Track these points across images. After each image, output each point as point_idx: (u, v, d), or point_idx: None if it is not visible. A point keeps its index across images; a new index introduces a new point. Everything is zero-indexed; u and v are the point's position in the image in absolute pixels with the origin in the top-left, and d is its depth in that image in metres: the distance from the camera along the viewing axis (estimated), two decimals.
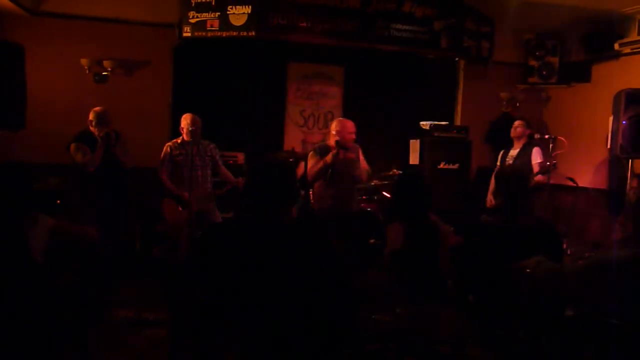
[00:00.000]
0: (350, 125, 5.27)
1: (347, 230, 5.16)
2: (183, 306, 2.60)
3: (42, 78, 6.10)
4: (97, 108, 5.24)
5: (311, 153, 5.40)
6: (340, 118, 5.55)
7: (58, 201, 5.49)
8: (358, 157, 5.40)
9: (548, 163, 5.89)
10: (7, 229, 2.77)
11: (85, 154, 5.10)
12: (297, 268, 2.27)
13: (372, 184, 6.53)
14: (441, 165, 6.81)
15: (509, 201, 3.39)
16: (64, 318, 2.95)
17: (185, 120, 5.35)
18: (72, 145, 5.15)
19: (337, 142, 5.13)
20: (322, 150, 5.28)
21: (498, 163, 6.40)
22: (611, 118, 5.95)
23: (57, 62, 6.39)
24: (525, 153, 6.15)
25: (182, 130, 5.37)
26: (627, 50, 6.61)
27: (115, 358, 3.94)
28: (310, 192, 5.93)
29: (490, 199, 6.16)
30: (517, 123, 6.32)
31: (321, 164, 5.17)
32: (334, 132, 5.25)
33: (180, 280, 2.98)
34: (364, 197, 6.40)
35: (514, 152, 6.26)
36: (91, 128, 5.18)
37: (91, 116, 5.19)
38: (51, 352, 2.67)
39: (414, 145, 7.06)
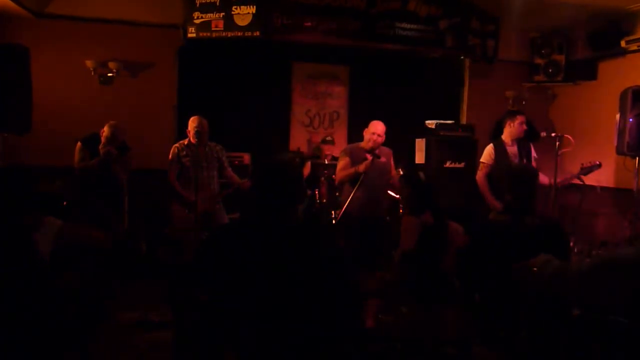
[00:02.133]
0: (373, 125, 5.34)
1: (375, 232, 5.23)
2: (187, 308, 2.60)
3: (48, 80, 6.12)
4: (113, 122, 5.29)
5: (341, 154, 5.48)
6: (373, 121, 5.51)
7: (64, 203, 5.50)
8: (389, 162, 5.46)
9: (594, 163, 5.75)
10: (12, 231, 2.77)
11: (83, 159, 5.19)
12: (302, 269, 2.26)
13: None
14: (447, 164, 6.78)
15: (520, 201, 3.37)
16: (67, 319, 2.95)
17: (193, 123, 5.36)
18: (78, 145, 5.29)
19: (369, 150, 5.23)
20: (353, 151, 5.37)
21: (492, 161, 5.86)
22: (618, 116, 5.92)
23: (62, 64, 6.41)
24: (525, 150, 5.91)
25: (189, 133, 5.37)
26: (633, 47, 6.57)
27: (119, 359, 3.95)
28: (316, 192, 5.94)
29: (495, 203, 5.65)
30: (524, 119, 5.92)
31: (352, 170, 5.21)
32: (367, 134, 5.35)
33: (184, 281, 2.98)
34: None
35: (512, 149, 5.88)
36: (102, 138, 5.22)
37: (105, 128, 5.24)
38: (54, 353, 2.68)
39: (420, 144, 7.04)
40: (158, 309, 4.70)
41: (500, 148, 5.88)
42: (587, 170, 5.72)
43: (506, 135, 5.92)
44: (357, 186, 5.14)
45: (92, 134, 5.29)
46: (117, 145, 5.22)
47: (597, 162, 5.70)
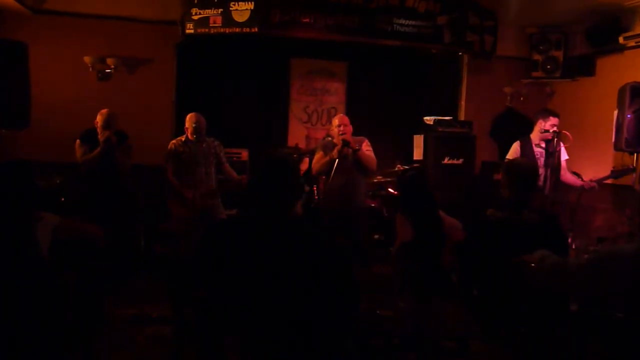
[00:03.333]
0: (338, 118, 5.42)
1: (352, 225, 5.22)
2: (187, 304, 2.60)
3: (46, 76, 6.09)
4: (104, 110, 5.27)
5: (316, 149, 5.58)
6: (339, 114, 5.73)
7: (62, 199, 5.51)
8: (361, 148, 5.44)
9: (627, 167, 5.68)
10: (12, 227, 2.77)
11: (84, 153, 5.18)
12: (301, 264, 2.26)
13: (376, 180, 6.52)
14: (445, 161, 6.78)
15: (519, 196, 3.37)
16: (68, 314, 2.96)
17: (190, 120, 5.36)
18: (77, 142, 5.29)
19: (343, 139, 5.21)
20: (327, 147, 5.41)
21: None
22: (616, 112, 5.92)
23: (60, 60, 6.39)
24: (553, 150, 5.60)
25: (187, 130, 5.38)
26: (631, 43, 6.56)
27: (119, 355, 3.95)
28: (315, 188, 5.95)
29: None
30: (557, 121, 5.66)
31: (327, 158, 5.27)
32: (336, 129, 5.38)
33: (184, 278, 2.99)
34: (369, 192, 6.38)
35: (538, 149, 5.73)
36: (97, 129, 5.22)
37: (98, 117, 5.24)
38: (55, 349, 2.68)
39: (418, 140, 7.04)
40: (156, 304, 4.71)
41: (527, 146, 5.73)
42: (620, 173, 5.68)
43: (535, 134, 5.75)
44: (332, 175, 5.19)
45: (88, 129, 5.29)
46: (113, 132, 5.22)
47: (632, 166, 5.66)
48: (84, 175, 5.24)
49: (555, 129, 5.60)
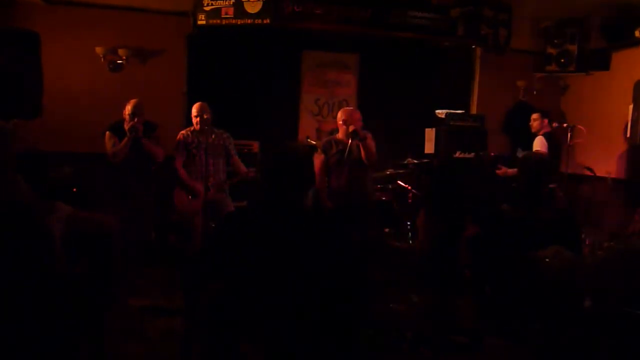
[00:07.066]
0: (353, 111, 5.22)
1: (362, 219, 5.13)
2: (199, 297, 2.59)
3: (58, 66, 6.09)
4: (133, 100, 5.27)
5: (316, 154, 5.29)
6: (345, 108, 5.52)
7: (74, 189, 5.52)
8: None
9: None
10: (26, 218, 2.77)
11: (114, 144, 5.18)
12: (312, 256, 2.25)
13: (387, 172, 6.49)
14: (457, 154, 6.74)
15: (530, 191, 3.34)
16: (79, 305, 2.96)
17: (194, 110, 5.35)
18: (107, 134, 5.26)
19: (354, 131, 4.96)
20: (328, 147, 5.21)
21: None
22: (631, 107, 5.87)
23: (72, 51, 6.40)
24: (553, 143, 5.93)
25: (194, 120, 5.37)
26: None
27: (130, 346, 3.95)
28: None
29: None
30: (533, 116, 6.10)
31: (333, 150, 5.08)
32: (341, 122, 5.16)
33: (195, 270, 2.98)
34: (378, 186, 6.34)
35: (548, 142, 5.96)
36: (125, 119, 5.23)
37: (126, 107, 5.25)
38: (67, 340, 2.68)
39: (430, 134, 7.00)
40: (168, 296, 4.72)
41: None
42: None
43: None
44: (340, 170, 5.04)
45: (117, 120, 5.28)
46: (141, 122, 5.21)
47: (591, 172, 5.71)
48: (117, 167, 5.21)
49: (534, 122, 6.08)
